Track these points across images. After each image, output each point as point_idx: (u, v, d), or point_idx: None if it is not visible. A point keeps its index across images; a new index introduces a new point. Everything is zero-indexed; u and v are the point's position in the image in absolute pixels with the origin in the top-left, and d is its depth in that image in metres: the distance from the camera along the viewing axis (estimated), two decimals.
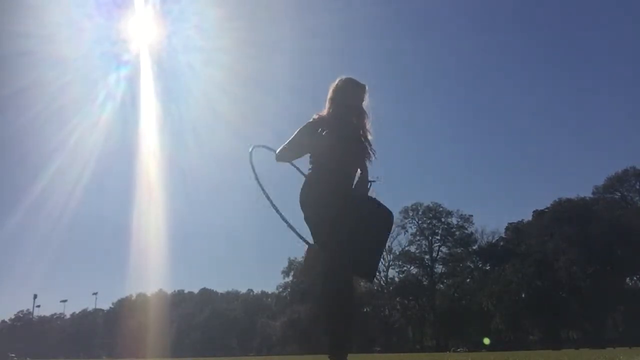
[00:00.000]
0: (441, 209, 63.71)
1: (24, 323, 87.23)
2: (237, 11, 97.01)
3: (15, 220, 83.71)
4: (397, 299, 64.60)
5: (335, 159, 3.16)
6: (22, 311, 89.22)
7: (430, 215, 63.97)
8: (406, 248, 64.39)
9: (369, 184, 3.23)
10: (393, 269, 66.23)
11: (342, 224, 3.01)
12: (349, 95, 3.28)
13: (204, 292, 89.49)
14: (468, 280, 62.81)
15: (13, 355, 65.03)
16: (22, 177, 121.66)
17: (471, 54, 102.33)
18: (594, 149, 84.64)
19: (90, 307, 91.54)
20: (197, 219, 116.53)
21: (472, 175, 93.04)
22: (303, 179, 3.29)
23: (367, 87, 3.33)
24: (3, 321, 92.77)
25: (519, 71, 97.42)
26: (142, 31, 72.03)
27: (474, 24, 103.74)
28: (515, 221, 62.10)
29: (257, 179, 3.21)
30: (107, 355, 72.52)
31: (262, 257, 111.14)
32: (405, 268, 65.37)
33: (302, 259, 68.80)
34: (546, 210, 57.16)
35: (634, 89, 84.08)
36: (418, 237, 64.51)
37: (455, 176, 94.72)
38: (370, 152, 3.31)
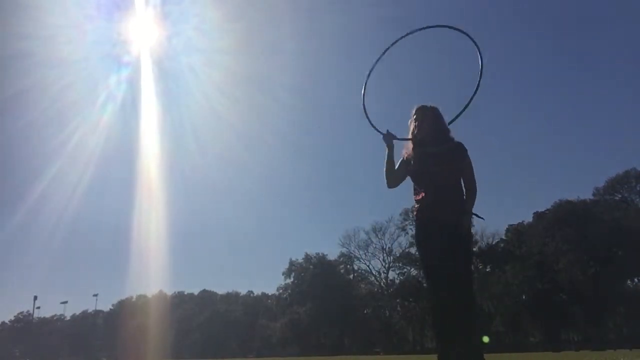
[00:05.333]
0: None
1: (24, 324, 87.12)
2: (237, 13, 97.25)
3: (15, 222, 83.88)
4: (398, 300, 64.55)
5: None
6: (22, 312, 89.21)
7: None
8: (407, 250, 64.38)
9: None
10: (393, 270, 66.31)
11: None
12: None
13: (204, 293, 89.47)
14: None
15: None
16: (23, 178, 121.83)
17: (469, 54, 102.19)
18: (595, 151, 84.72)
19: (91, 308, 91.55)
20: (197, 220, 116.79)
21: None
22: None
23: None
24: (3, 322, 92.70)
25: (518, 71, 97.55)
26: (143, 33, 72.31)
27: (474, 24, 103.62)
28: (515, 223, 62.05)
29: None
30: (107, 356, 72.40)
31: (262, 258, 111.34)
32: (405, 270, 65.35)
33: (302, 261, 68.79)
34: (546, 212, 57.02)
35: (634, 89, 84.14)
36: None
37: None
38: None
